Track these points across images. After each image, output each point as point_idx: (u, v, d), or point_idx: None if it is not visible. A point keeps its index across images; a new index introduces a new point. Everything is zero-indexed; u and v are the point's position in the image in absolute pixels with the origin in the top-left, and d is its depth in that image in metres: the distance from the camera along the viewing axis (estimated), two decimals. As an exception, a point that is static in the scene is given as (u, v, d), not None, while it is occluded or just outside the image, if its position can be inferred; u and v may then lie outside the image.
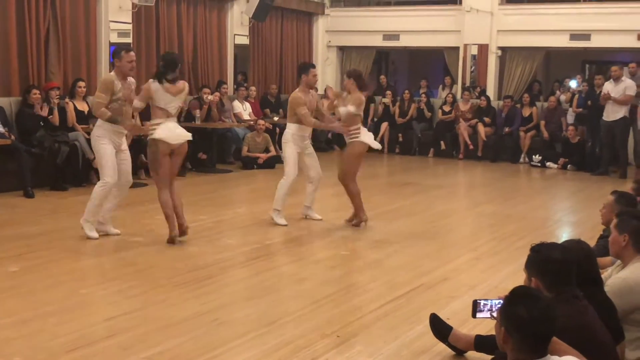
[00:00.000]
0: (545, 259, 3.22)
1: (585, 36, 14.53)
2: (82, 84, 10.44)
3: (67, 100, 10.23)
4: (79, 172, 9.96)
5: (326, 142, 15.38)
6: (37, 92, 9.78)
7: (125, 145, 7.02)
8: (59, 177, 9.67)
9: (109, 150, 6.77)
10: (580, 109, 13.64)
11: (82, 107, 10.39)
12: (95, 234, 6.89)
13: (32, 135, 9.57)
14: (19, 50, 10.16)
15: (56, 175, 9.64)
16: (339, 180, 8.02)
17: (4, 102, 9.71)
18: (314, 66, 8.20)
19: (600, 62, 17.95)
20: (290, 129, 7.80)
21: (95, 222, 6.97)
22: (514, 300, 2.71)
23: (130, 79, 6.94)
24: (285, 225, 7.75)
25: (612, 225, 3.91)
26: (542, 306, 2.67)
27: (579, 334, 2.99)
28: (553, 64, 18.11)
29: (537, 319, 2.64)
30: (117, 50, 7.00)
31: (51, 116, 9.81)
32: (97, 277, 5.82)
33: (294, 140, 7.77)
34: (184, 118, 11.88)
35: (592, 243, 4.66)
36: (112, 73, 6.95)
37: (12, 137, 9.30)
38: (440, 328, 4.42)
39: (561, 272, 3.19)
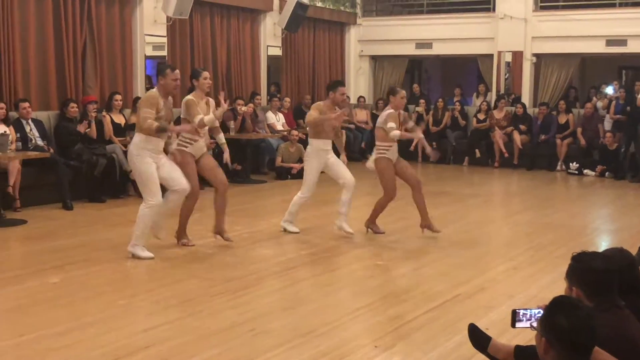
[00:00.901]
0: (586, 269, 3.17)
1: (622, 42, 14.36)
2: (118, 97, 10.59)
3: (104, 113, 10.39)
4: (117, 184, 10.09)
5: (359, 152, 15.37)
6: (75, 105, 9.94)
7: (165, 158, 6.71)
8: (97, 190, 9.80)
9: (150, 168, 6.51)
10: (618, 116, 13.47)
11: (119, 119, 10.55)
12: (149, 254, 6.67)
13: (70, 148, 9.72)
14: (57, 65, 10.35)
15: (94, 188, 9.78)
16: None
17: (42, 116, 9.88)
18: (343, 84, 8.06)
19: (637, 68, 17.72)
20: (313, 144, 7.72)
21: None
22: (554, 310, 2.68)
23: (169, 99, 6.75)
24: (298, 232, 7.83)
25: None
26: (582, 315, 2.63)
27: (621, 344, 2.95)
28: (589, 70, 17.91)
29: (578, 328, 2.60)
30: (161, 68, 6.77)
31: (89, 129, 9.96)
32: (134, 288, 5.88)
33: (318, 156, 7.67)
34: (219, 129, 11.97)
35: (632, 251, 4.58)
36: (155, 90, 6.67)
37: (51, 150, 9.45)
38: (479, 338, 4.36)
39: (603, 282, 3.15)
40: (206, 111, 7.06)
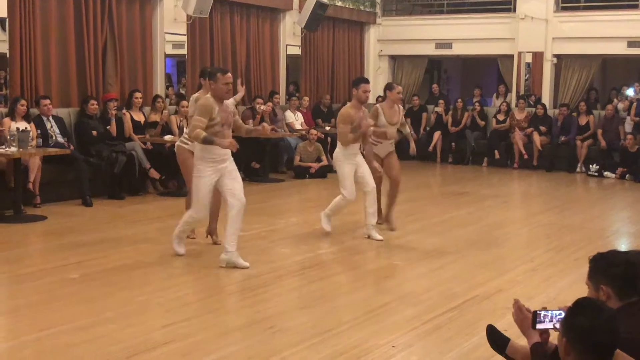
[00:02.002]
0: (610, 264, 3.17)
1: (644, 43, 14.25)
2: (138, 94, 10.65)
3: (124, 111, 10.45)
4: (136, 181, 10.15)
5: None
6: (95, 102, 10.01)
7: (231, 165, 6.39)
8: (117, 187, 9.86)
9: (204, 182, 6.27)
10: (638, 118, 13.35)
11: (139, 117, 10.61)
12: (182, 250, 6.67)
13: (90, 145, 9.79)
14: (78, 62, 10.42)
15: (113, 185, 9.84)
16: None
17: (63, 113, 9.95)
18: (366, 81, 7.74)
19: (659, 70, 17.56)
20: (342, 149, 7.58)
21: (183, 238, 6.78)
22: (576, 311, 2.68)
23: (228, 102, 6.45)
24: (329, 232, 7.72)
25: None
26: (603, 317, 2.62)
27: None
28: (610, 71, 17.79)
29: (598, 329, 2.59)
30: (212, 72, 6.44)
31: (109, 127, 10.03)
32: (154, 285, 5.90)
33: (347, 158, 7.55)
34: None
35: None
36: (209, 96, 6.32)
37: (71, 147, 9.52)
38: (497, 339, 4.34)
39: (628, 275, 3.13)
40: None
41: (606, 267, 3.16)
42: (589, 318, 2.61)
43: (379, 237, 7.62)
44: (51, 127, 9.45)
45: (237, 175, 6.42)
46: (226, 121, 6.33)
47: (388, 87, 8.26)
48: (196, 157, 6.36)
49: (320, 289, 5.90)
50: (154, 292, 5.67)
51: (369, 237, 7.62)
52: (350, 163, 7.53)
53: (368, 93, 7.58)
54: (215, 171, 6.27)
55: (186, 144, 7.12)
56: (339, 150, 7.64)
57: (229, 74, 6.34)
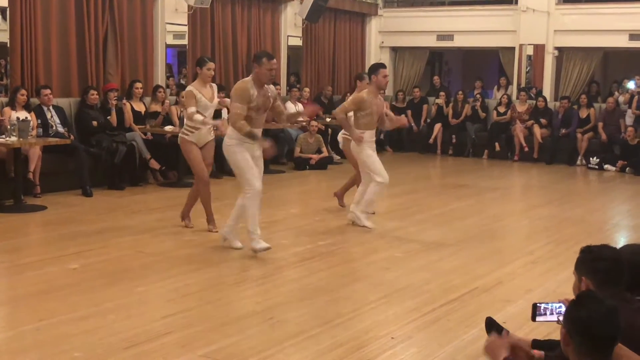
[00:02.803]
0: (596, 258, 3.20)
1: (645, 36, 14.22)
2: (139, 85, 10.64)
3: (124, 101, 10.44)
4: (136, 172, 10.15)
5: (378, 142, 15.31)
6: (95, 92, 10.00)
7: (259, 150, 6.43)
8: (117, 177, 9.85)
9: (246, 156, 6.28)
10: (639, 111, 13.34)
11: (139, 107, 10.60)
12: (264, 244, 6.41)
13: (90, 136, 9.78)
14: (78, 52, 10.40)
15: (113, 175, 9.83)
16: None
17: (63, 103, 9.94)
18: (384, 66, 7.82)
19: (660, 63, 17.52)
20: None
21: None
22: (578, 303, 2.68)
23: (270, 87, 6.47)
24: (372, 228, 7.61)
25: None
26: (604, 309, 2.62)
27: (631, 334, 2.93)
28: (611, 64, 17.76)
29: (598, 321, 2.60)
30: (258, 55, 6.42)
31: (109, 117, 10.02)
32: (153, 275, 5.91)
33: (369, 145, 7.61)
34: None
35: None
36: (249, 79, 6.35)
37: (72, 137, 9.51)
38: (496, 332, 4.36)
39: (612, 271, 3.15)
40: (210, 96, 7.21)
41: (591, 260, 3.19)
42: (588, 310, 2.63)
43: (369, 224, 7.67)
44: (51, 116, 9.43)
45: (261, 163, 6.48)
46: (263, 106, 6.36)
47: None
48: (230, 138, 6.32)
49: (320, 280, 5.90)
50: (154, 283, 5.67)
51: (353, 223, 7.72)
52: (372, 148, 7.63)
53: (387, 78, 7.63)
54: (247, 149, 6.28)
55: (187, 134, 7.20)
56: (345, 138, 7.72)
57: (275, 60, 6.39)
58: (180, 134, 7.34)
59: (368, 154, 7.62)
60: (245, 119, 6.22)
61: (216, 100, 7.38)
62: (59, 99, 9.88)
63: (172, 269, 6.07)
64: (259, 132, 6.39)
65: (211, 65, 7.25)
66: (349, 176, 8.75)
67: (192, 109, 7.03)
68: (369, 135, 7.63)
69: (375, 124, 7.72)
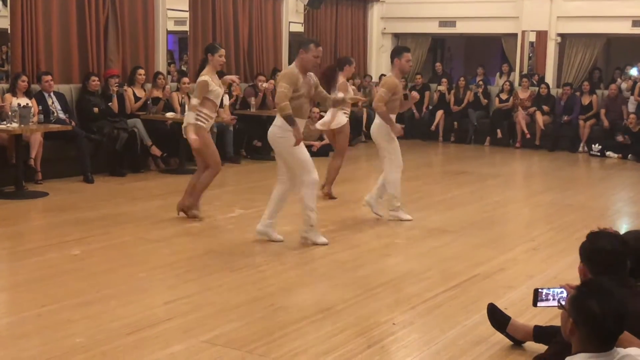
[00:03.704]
0: (595, 248, 3.22)
1: (648, 22, 14.16)
2: (141, 71, 10.63)
3: (125, 87, 10.42)
4: (137, 158, 10.14)
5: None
6: (97, 79, 9.97)
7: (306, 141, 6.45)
8: (118, 163, 9.85)
9: (300, 149, 6.20)
10: (642, 98, 13.32)
11: (141, 94, 10.58)
12: (324, 239, 6.41)
13: (92, 122, 9.77)
14: (79, 38, 10.36)
15: (115, 161, 9.83)
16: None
17: (64, 89, 9.92)
18: (408, 50, 7.55)
19: (663, 49, 17.46)
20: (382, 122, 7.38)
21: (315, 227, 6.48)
22: (588, 294, 2.64)
23: (311, 74, 6.39)
24: (411, 219, 7.47)
25: None
26: (614, 303, 2.59)
27: (630, 320, 2.92)
28: (614, 51, 17.69)
29: (609, 315, 2.57)
30: (304, 41, 6.35)
31: (110, 103, 10.01)
32: (155, 262, 5.91)
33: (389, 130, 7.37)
34: (239, 106, 11.99)
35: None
36: (294, 66, 6.30)
37: (73, 123, 9.50)
38: (498, 318, 4.37)
39: (608, 262, 3.17)
40: (219, 82, 7.16)
41: (591, 250, 3.21)
42: (599, 302, 2.58)
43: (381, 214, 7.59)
44: (52, 103, 9.42)
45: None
46: (308, 94, 6.31)
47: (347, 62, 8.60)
48: (281, 129, 6.19)
49: (321, 266, 5.91)
50: (156, 269, 5.68)
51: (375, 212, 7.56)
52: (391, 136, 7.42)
53: (411, 62, 7.40)
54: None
55: (204, 122, 7.04)
56: (382, 126, 7.38)
57: (321, 48, 6.33)
58: (194, 122, 6.97)
59: (396, 142, 7.40)
60: (295, 107, 6.08)
61: (231, 79, 7.45)
62: (60, 86, 9.86)
63: (174, 255, 6.08)
64: (302, 122, 6.26)
65: (222, 52, 7.17)
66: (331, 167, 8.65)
67: (195, 101, 6.95)
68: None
69: (398, 108, 7.52)
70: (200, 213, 7.30)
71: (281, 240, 6.51)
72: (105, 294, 4.98)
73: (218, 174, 7.33)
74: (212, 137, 7.46)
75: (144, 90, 10.68)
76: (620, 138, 12.96)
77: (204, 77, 7.00)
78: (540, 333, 4.17)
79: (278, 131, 6.23)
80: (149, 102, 10.47)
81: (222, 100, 7.80)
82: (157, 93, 10.68)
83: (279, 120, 6.22)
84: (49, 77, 9.40)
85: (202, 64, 7.19)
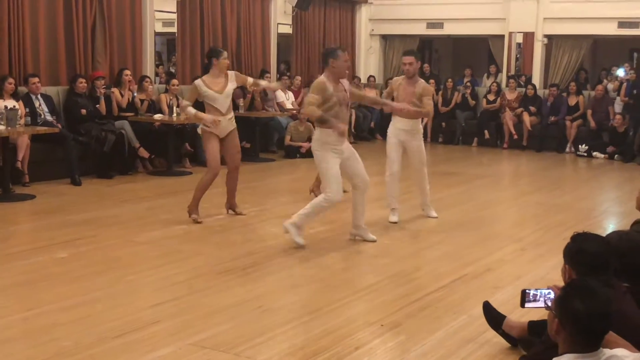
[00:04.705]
0: (579, 250, 3.23)
1: (634, 24, 14.25)
2: (128, 72, 10.59)
3: (112, 89, 10.39)
4: (125, 160, 10.11)
5: (369, 131, 15.34)
6: (84, 80, 9.94)
7: (349, 148, 6.40)
8: (106, 166, 9.81)
9: (330, 162, 6.23)
10: (627, 98, 13.39)
11: (128, 95, 10.54)
12: (301, 240, 6.39)
13: (79, 124, 9.73)
14: (66, 40, 10.32)
15: (102, 164, 9.79)
16: None
17: (52, 91, 9.88)
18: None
19: (649, 51, 17.59)
20: (395, 124, 7.52)
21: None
22: (572, 293, 2.66)
23: (343, 81, 6.37)
24: (396, 222, 7.49)
25: None
26: (600, 302, 2.61)
27: (615, 320, 2.95)
28: (600, 52, 17.79)
29: (594, 315, 2.58)
30: (331, 50, 6.35)
31: (98, 105, 9.98)
32: (142, 264, 5.89)
33: (396, 134, 7.49)
34: (228, 107, 11.98)
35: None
36: (322, 77, 6.27)
37: (60, 125, 9.45)
38: (494, 316, 4.38)
39: (591, 265, 3.18)
40: (222, 86, 7.12)
41: (575, 252, 3.23)
42: (584, 302, 2.60)
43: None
44: (39, 105, 9.38)
45: (357, 156, 6.46)
46: (344, 100, 6.31)
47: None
48: (316, 141, 6.32)
49: (309, 268, 5.91)
50: (143, 272, 5.66)
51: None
52: (398, 139, 7.54)
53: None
54: (338, 153, 6.26)
55: (209, 126, 7.11)
56: (415, 124, 7.50)
57: (346, 52, 6.39)
58: (202, 125, 7.31)
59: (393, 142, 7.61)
60: (332, 116, 6.14)
61: (230, 89, 7.21)
62: (47, 88, 9.82)
63: (161, 258, 6.06)
64: (344, 126, 6.26)
65: (226, 54, 7.29)
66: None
67: (184, 102, 7.15)
68: (404, 123, 7.52)
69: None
70: (199, 217, 7.29)
71: (374, 240, 6.71)
72: (92, 297, 4.96)
73: (215, 177, 7.29)
74: (235, 138, 7.36)
75: (131, 92, 10.63)
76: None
77: (197, 80, 7.18)
78: (535, 327, 4.18)
79: (315, 145, 6.36)
80: (135, 100, 10.46)
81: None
82: (142, 96, 10.65)
83: (316, 134, 6.35)
84: (36, 79, 9.36)
85: (205, 67, 7.28)
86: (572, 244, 3.28)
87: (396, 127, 7.55)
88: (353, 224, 6.71)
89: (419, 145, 7.64)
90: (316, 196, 8.07)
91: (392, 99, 7.48)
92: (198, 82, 7.14)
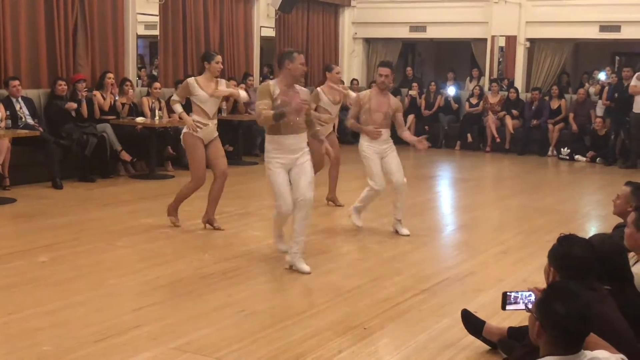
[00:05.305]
0: (564, 254, 3.24)
1: (615, 27, 14.35)
2: (110, 75, 10.54)
3: (94, 92, 10.32)
4: (107, 163, 10.05)
5: (352, 135, 15.32)
6: (63, 83, 9.87)
7: (303, 157, 5.88)
8: (87, 169, 9.75)
9: (274, 177, 5.82)
10: (609, 102, 13.49)
11: (110, 99, 10.48)
12: (283, 247, 6.17)
13: (60, 127, 9.66)
14: (48, 43, 10.25)
15: (84, 167, 9.73)
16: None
17: (33, 94, 9.81)
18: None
19: (630, 54, 17.72)
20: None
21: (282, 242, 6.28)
22: (553, 296, 2.67)
23: (303, 89, 5.95)
24: (360, 226, 7.37)
25: (630, 220, 3.87)
26: (580, 304, 2.62)
27: (596, 322, 2.96)
28: (582, 55, 17.91)
29: (574, 317, 2.59)
30: (287, 53, 5.89)
31: (80, 108, 9.91)
32: (124, 268, 5.86)
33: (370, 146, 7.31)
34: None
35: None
36: (271, 81, 6.01)
37: (41, 128, 9.38)
38: (473, 323, 4.38)
39: (578, 269, 3.19)
40: (212, 90, 7.02)
41: (561, 256, 3.24)
42: (564, 304, 2.60)
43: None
44: (20, 108, 9.31)
45: (307, 170, 5.85)
46: (296, 108, 5.73)
47: (327, 69, 8.59)
48: (266, 151, 5.94)
49: (292, 272, 5.88)
50: (125, 276, 5.63)
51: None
52: (374, 151, 7.44)
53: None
54: (287, 161, 5.84)
55: (196, 130, 6.96)
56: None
57: (302, 55, 5.91)
58: (185, 129, 7.02)
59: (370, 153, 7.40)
60: (283, 124, 5.73)
61: (220, 93, 7.07)
62: (28, 90, 9.75)
63: (143, 262, 6.03)
64: (298, 135, 5.88)
65: (219, 58, 7.13)
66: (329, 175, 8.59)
67: (175, 98, 7.18)
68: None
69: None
70: (178, 221, 7.25)
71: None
72: (73, 301, 4.93)
73: (199, 186, 7.18)
74: (218, 143, 7.19)
75: (113, 95, 10.57)
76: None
77: (190, 79, 7.09)
78: (515, 333, 4.19)
79: (265, 154, 6.00)
80: (117, 103, 10.42)
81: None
82: (123, 99, 10.60)
83: (266, 144, 5.99)
84: (16, 82, 9.29)
85: (200, 71, 7.25)
86: (558, 247, 3.27)
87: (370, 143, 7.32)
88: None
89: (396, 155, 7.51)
90: (336, 204, 8.12)
91: (358, 118, 7.26)
92: (191, 80, 7.03)
